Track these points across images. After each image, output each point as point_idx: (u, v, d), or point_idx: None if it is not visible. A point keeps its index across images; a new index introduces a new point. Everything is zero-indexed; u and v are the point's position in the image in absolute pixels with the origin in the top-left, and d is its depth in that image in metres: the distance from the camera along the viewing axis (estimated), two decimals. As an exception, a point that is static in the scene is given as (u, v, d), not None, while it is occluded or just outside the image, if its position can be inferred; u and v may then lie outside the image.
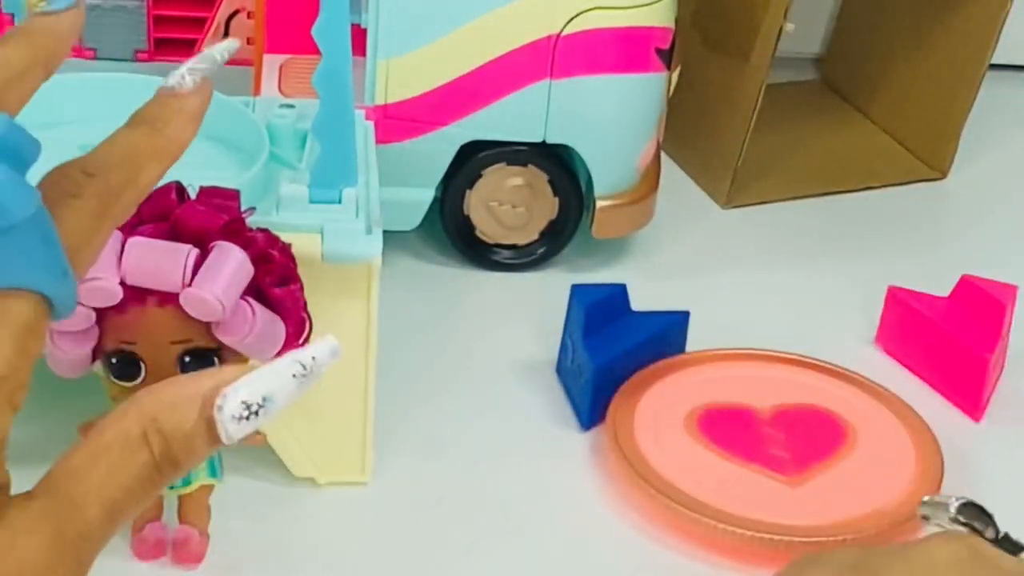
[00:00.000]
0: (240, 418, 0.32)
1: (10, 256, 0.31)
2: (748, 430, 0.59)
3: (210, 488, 0.52)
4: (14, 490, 0.33)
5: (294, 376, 0.32)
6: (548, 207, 0.70)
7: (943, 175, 0.84)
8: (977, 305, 0.63)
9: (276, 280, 0.47)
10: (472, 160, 0.68)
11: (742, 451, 0.58)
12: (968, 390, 0.63)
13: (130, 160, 0.35)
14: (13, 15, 0.75)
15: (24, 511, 0.31)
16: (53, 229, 0.33)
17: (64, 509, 0.32)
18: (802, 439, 0.59)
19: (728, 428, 0.59)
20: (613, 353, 0.61)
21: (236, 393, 0.32)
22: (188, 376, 0.33)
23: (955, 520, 0.51)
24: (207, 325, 0.46)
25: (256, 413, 0.32)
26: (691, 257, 0.74)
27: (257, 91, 0.69)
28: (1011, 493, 0.60)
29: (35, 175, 0.43)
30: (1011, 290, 0.63)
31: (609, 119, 0.67)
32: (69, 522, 0.32)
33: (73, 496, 0.32)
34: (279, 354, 0.47)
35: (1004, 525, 0.58)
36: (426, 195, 0.69)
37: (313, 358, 0.32)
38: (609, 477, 0.58)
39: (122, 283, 0.45)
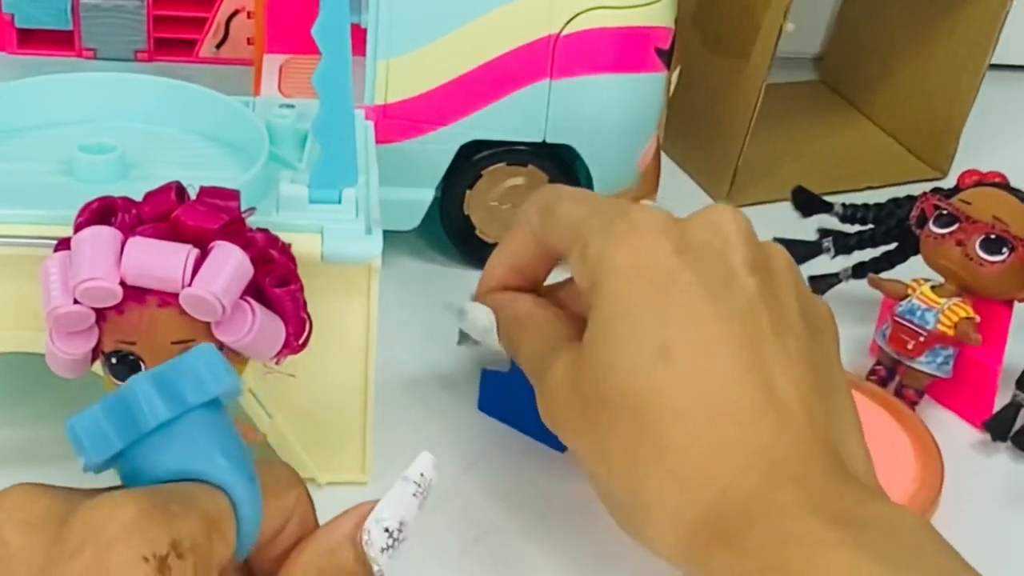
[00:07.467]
0: (386, 548, 0.35)
1: (189, 441, 0.34)
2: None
3: (210, 488, 0.52)
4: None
5: (415, 496, 0.36)
6: (548, 207, 0.70)
7: (943, 175, 0.84)
8: (978, 310, 0.63)
9: (276, 280, 0.47)
10: (472, 160, 0.68)
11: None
12: (976, 402, 0.63)
13: None
14: (13, 15, 0.75)
15: None
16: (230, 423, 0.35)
17: None
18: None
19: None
20: (613, 353, 0.60)
21: (378, 525, 0.35)
22: (332, 522, 0.36)
23: None
24: (207, 325, 0.46)
25: (397, 539, 0.35)
26: (691, 257, 0.74)
27: (257, 91, 0.69)
28: (1012, 495, 0.60)
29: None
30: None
31: (609, 119, 0.67)
32: None
33: None
34: (279, 355, 0.48)
35: (1008, 532, 0.58)
36: (426, 195, 0.69)
37: (421, 474, 0.36)
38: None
39: (122, 283, 0.45)
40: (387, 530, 0.35)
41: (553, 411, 0.49)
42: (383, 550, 0.35)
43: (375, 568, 0.35)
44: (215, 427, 0.35)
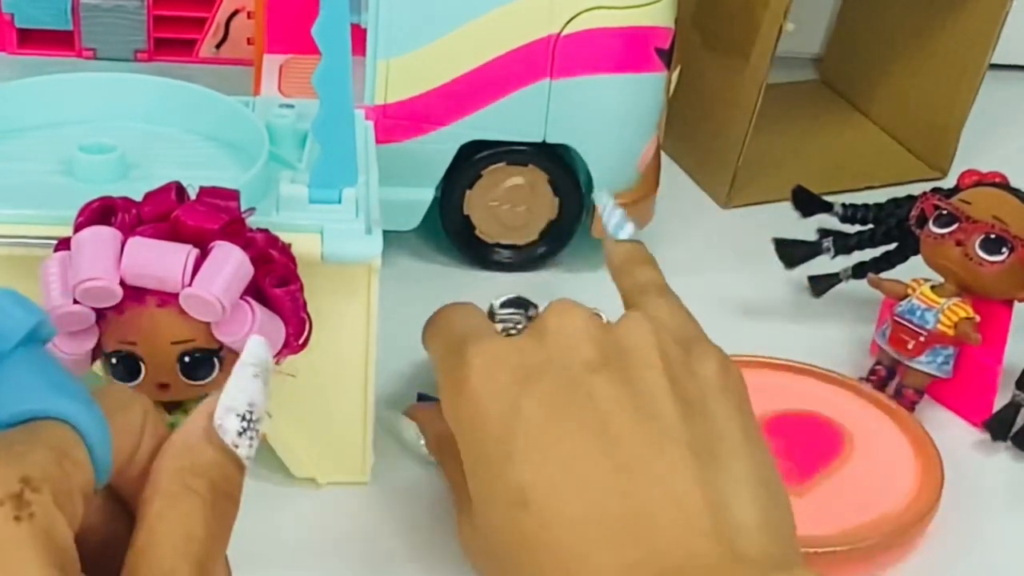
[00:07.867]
0: (242, 432, 0.35)
1: (13, 385, 0.34)
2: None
3: (210, 488, 0.51)
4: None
5: (255, 376, 0.36)
6: (548, 207, 0.70)
7: (943, 175, 0.84)
8: (978, 310, 0.63)
9: (276, 280, 0.47)
10: (472, 160, 0.68)
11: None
12: (976, 402, 0.63)
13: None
14: (13, 15, 0.75)
15: None
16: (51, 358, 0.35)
17: None
18: (801, 447, 0.58)
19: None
20: (613, 353, 0.60)
21: (227, 412, 0.35)
22: (185, 424, 0.36)
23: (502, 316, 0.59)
24: (207, 325, 0.46)
25: (251, 420, 0.36)
26: (691, 257, 0.74)
27: (257, 91, 0.69)
28: (1012, 495, 0.60)
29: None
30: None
31: (609, 119, 0.67)
32: None
33: (158, 572, 0.33)
34: (279, 355, 0.48)
35: (1009, 532, 0.58)
36: (426, 195, 0.69)
37: (256, 355, 0.36)
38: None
39: (122, 283, 0.45)
40: (238, 415, 0.35)
41: (470, 559, 0.50)
42: (240, 434, 0.35)
43: (240, 453, 0.35)
44: (36, 364, 0.34)
